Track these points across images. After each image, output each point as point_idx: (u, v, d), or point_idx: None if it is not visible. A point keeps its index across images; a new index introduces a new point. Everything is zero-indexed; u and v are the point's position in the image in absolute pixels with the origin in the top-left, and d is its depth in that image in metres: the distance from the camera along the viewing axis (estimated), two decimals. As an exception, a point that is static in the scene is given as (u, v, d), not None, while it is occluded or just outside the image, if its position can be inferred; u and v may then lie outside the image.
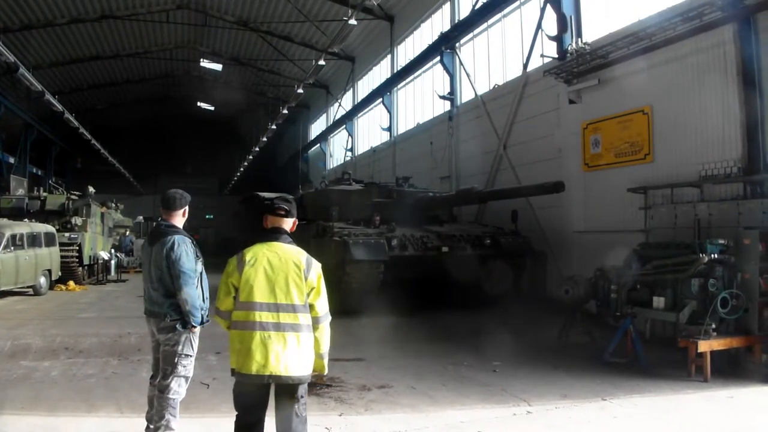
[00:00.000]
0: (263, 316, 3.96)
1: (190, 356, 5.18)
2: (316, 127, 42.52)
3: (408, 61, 23.16)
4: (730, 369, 7.99)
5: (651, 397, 7.10)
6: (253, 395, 4.07)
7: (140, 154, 48.90)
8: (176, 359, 5.06)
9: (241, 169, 47.11)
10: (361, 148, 32.46)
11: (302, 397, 4.07)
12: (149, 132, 49.30)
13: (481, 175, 17.81)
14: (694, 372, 7.81)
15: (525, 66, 16.04)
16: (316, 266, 4.13)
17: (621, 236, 11.35)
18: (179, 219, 5.31)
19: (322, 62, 19.91)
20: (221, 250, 36.94)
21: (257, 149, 39.69)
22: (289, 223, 4.29)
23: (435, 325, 11.60)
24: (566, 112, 14.11)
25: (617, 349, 8.76)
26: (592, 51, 12.74)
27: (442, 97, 20.70)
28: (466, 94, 19.93)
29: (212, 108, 47.00)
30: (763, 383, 7.54)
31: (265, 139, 35.92)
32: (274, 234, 4.21)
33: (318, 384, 7.44)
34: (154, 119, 48.24)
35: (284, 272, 4.01)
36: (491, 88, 18.15)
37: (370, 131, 30.48)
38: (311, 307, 4.07)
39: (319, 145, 40.29)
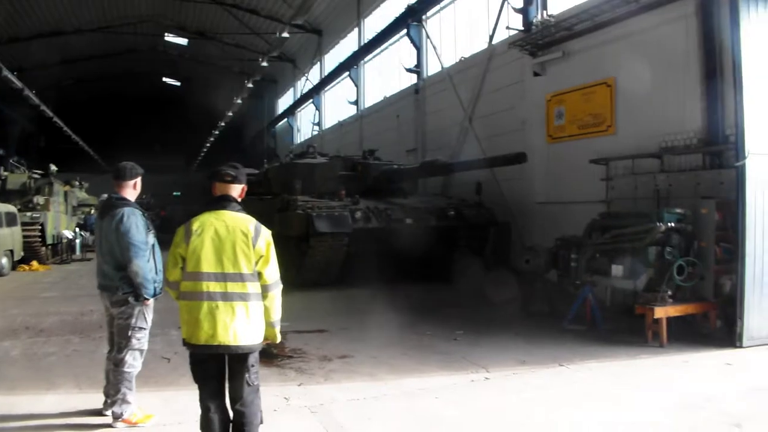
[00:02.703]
0: (211, 286, 3.91)
1: (144, 329, 5.17)
2: (284, 102, 42.10)
3: (375, 34, 22.93)
4: (686, 335, 8.14)
5: (607, 362, 7.22)
6: (208, 366, 4.04)
7: (105, 131, 47.94)
8: (130, 332, 5.06)
9: (208, 144, 46.50)
10: (329, 122, 32.24)
11: (253, 366, 4.05)
12: (114, 109, 48.41)
13: (447, 147, 17.83)
14: (651, 338, 7.95)
15: (491, 38, 16.00)
16: (265, 233, 4.07)
17: (583, 207, 11.45)
18: (130, 191, 5.25)
19: (285, 34, 19.62)
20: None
21: (223, 124, 39.18)
22: (237, 190, 4.22)
23: (399, 296, 11.61)
24: (531, 84, 14.15)
25: (577, 317, 8.90)
26: (557, 23, 12.75)
27: (409, 70, 20.59)
28: (432, 67, 19.85)
29: (178, 83, 46.23)
30: (718, 348, 7.70)
31: (230, 114, 35.48)
32: (222, 202, 4.13)
33: (279, 355, 7.51)
34: (119, 96, 47.34)
35: (232, 241, 3.95)
36: (458, 60, 18.08)
37: (338, 105, 30.24)
38: (260, 275, 4.02)
39: (286, 119, 39.92)
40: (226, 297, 3.91)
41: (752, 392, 6.00)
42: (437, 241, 12.72)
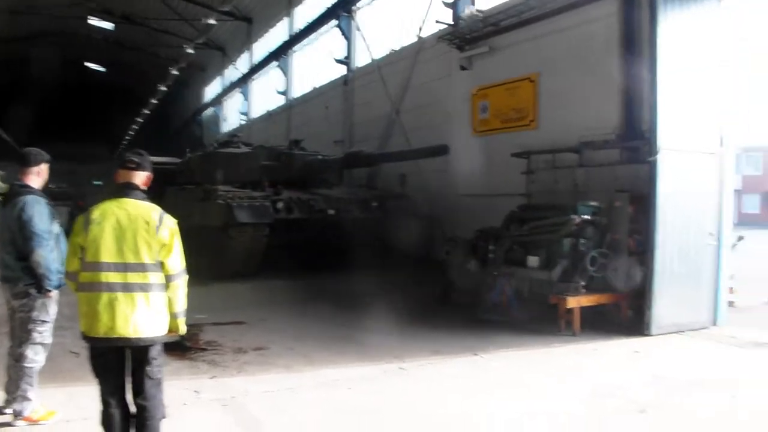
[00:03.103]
0: (110, 277, 3.74)
1: (47, 322, 4.95)
2: (212, 90, 41.19)
3: (305, 24, 22.67)
4: (598, 323, 8.33)
5: (521, 350, 7.34)
6: (108, 359, 3.88)
7: (25, 118, 45.63)
8: (31, 326, 4.85)
9: (131, 133, 45.04)
10: (257, 112, 31.72)
11: (155, 359, 3.90)
12: (35, 95, 46.00)
13: (374, 139, 17.78)
14: (564, 327, 8.11)
15: (420, 32, 16.00)
16: (169, 222, 3.91)
17: (505, 199, 11.54)
18: (34, 178, 5.00)
19: (212, 21, 19.11)
20: (110, 218, 35.31)
21: (147, 112, 38.00)
22: (141, 177, 4.05)
23: (320, 287, 11.53)
24: (457, 78, 14.22)
25: (494, 307, 9.00)
26: (485, 18, 12.85)
27: (338, 61, 20.42)
28: (362, 59, 19.70)
29: (103, 69, 44.56)
30: (628, 336, 7.94)
31: (155, 101, 34.39)
32: (125, 190, 3.95)
33: (193, 348, 7.30)
34: (40, 81, 45.09)
35: (133, 230, 3.79)
36: (387, 53, 18.03)
37: (266, 95, 29.74)
38: (162, 265, 3.86)
39: (213, 108, 39.10)
40: (127, 288, 3.75)
41: (657, 380, 6.18)
42: (360, 232, 12.65)
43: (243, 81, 31.65)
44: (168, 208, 12.44)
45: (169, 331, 4.00)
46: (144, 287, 3.78)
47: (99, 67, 44.12)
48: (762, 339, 7.95)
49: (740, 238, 10.87)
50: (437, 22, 14.65)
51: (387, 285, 11.79)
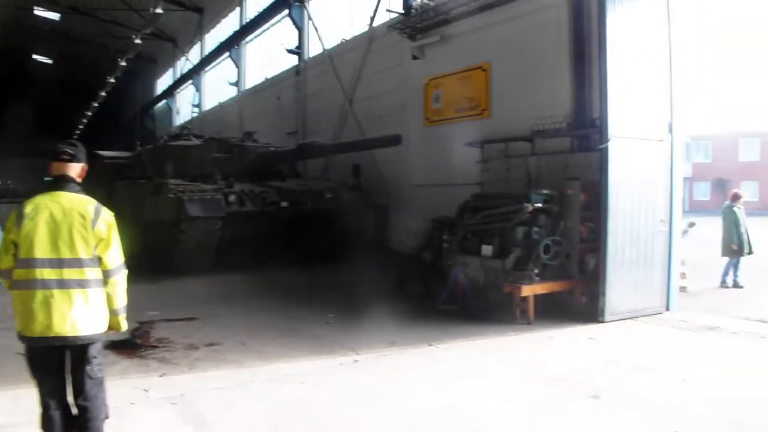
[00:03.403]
0: (45, 273, 3.58)
1: None
2: (163, 83, 40.42)
3: (256, 14, 22.33)
4: (553, 311, 8.39)
5: (476, 340, 7.32)
6: (46, 359, 3.72)
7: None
8: None
9: (81, 126, 43.86)
10: (209, 103, 31.23)
11: (95, 357, 3.76)
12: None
13: (327, 130, 17.61)
14: (519, 315, 8.14)
15: (372, 21, 15.89)
16: (106, 215, 3.77)
17: (459, 189, 11.49)
18: None
19: (159, 10, 18.64)
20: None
21: (96, 105, 37.07)
22: (76, 169, 3.89)
23: (274, 281, 11.34)
24: (410, 67, 14.15)
25: (449, 297, 8.96)
26: (436, 7, 12.78)
27: (290, 51, 20.17)
28: (314, 49, 19.52)
29: (50, 61, 43.23)
30: (582, 323, 8.02)
31: (103, 94, 33.55)
32: (59, 183, 3.80)
33: (143, 345, 7.12)
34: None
35: (68, 224, 3.64)
36: (339, 42, 17.86)
37: (218, 86, 29.31)
38: (100, 260, 3.72)
39: (166, 101, 38.35)
40: (63, 284, 3.60)
41: (610, 364, 6.23)
42: (314, 224, 12.52)
43: (195, 72, 31.12)
44: (119, 202, 12.15)
45: (110, 328, 3.88)
46: (81, 283, 3.65)
47: (46, 60, 42.76)
48: (713, 323, 8.09)
49: (692, 225, 11.12)
50: (388, 11, 14.55)
51: (342, 276, 11.74)
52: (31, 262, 3.60)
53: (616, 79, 8.12)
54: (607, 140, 8.00)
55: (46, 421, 3.71)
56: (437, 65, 13.27)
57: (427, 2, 12.98)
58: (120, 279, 3.83)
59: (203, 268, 12.04)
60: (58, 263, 3.61)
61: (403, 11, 13.92)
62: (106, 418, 3.86)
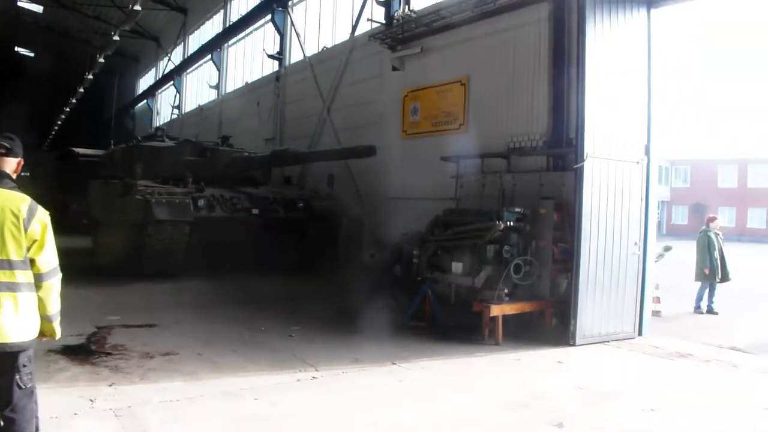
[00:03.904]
0: None
1: None
2: (145, 82, 40.05)
3: (239, 18, 22.14)
4: (523, 332, 8.21)
5: (441, 360, 7.12)
6: None
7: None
8: None
9: (59, 122, 43.24)
10: (189, 105, 30.94)
11: (25, 366, 3.52)
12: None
13: (305, 137, 17.40)
14: (487, 335, 7.94)
15: (353, 30, 15.74)
16: (41, 215, 3.53)
17: (434, 203, 11.35)
18: None
19: (137, 7, 18.35)
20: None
21: (74, 101, 36.62)
22: (11, 164, 3.66)
23: (241, 290, 11.09)
24: (389, 78, 13.99)
25: (418, 313, 8.76)
26: (417, 18, 12.65)
27: (271, 57, 20.00)
28: (295, 55, 19.34)
29: (32, 54, 42.72)
30: (552, 346, 7.81)
31: (82, 90, 33.14)
32: None
33: (97, 352, 6.85)
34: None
35: (0, 223, 3.40)
36: (320, 50, 17.70)
37: (199, 89, 29.08)
38: (32, 262, 3.49)
39: (146, 101, 37.97)
40: None
41: (577, 390, 6.04)
42: (285, 232, 12.29)
43: (176, 73, 30.84)
44: (91, 201, 11.93)
45: (42, 335, 3.65)
46: (11, 287, 3.42)
47: (28, 52, 42.26)
48: (685, 349, 7.95)
49: (668, 248, 11.02)
50: (369, 20, 14.40)
51: (311, 288, 11.51)
52: None
53: (593, 99, 8.02)
54: (582, 160, 7.87)
55: None
56: (417, 77, 13.12)
57: (408, 13, 12.85)
58: (54, 283, 3.61)
59: (170, 273, 11.82)
60: None
61: (384, 21, 13.76)
62: (36, 431, 3.64)
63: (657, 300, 10.17)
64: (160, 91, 35.76)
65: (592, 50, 8.05)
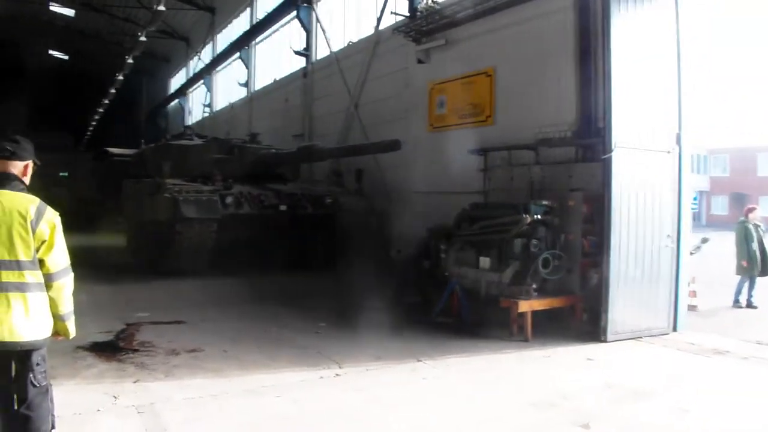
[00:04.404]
0: None
1: None
2: (177, 81, 40.44)
3: (265, 15, 22.16)
4: (553, 328, 8.03)
5: (467, 357, 6.98)
6: None
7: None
8: None
9: (93, 123, 43.96)
10: (220, 104, 31.17)
11: (39, 364, 3.57)
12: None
13: (333, 133, 17.36)
14: (516, 332, 7.78)
15: (378, 23, 15.60)
16: (50, 216, 3.58)
17: (462, 197, 11.18)
18: None
19: (162, 7, 18.46)
20: (75, 211, 34.44)
21: (107, 102, 37.18)
22: (18, 167, 3.69)
23: (269, 286, 11.11)
24: (415, 71, 13.84)
25: (445, 309, 8.63)
26: (441, 10, 12.48)
27: (298, 53, 19.94)
28: (321, 51, 19.27)
29: (66, 57, 43.49)
30: (582, 342, 7.61)
31: (113, 91, 33.60)
32: (1, 181, 3.60)
33: (125, 349, 6.93)
34: (2, 67, 43.77)
35: (8, 224, 3.45)
36: (346, 45, 17.61)
37: (229, 87, 29.25)
38: (42, 263, 3.53)
39: (178, 100, 38.37)
40: (1, 287, 3.42)
41: (606, 389, 5.86)
42: (313, 228, 12.26)
43: (206, 72, 31.03)
44: (124, 200, 12.25)
45: (56, 334, 3.71)
46: (20, 287, 3.47)
47: (62, 55, 43.04)
48: (722, 346, 7.63)
49: (705, 240, 10.71)
50: (393, 13, 14.26)
51: (339, 284, 11.45)
52: None
53: (621, 88, 7.76)
54: (610, 150, 7.64)
55: None
56: (442, 70, 12.95)
57: (432, 5, 12.68)
58: (64, 283, 3.65)
59: (198, 270, 11.91)
60: None
61: (408, 14, 13.60)
62: (53, 428, 3.69)
63: (693, 294, 9.87)
64: (191, 90, 36.04)
65: (617, 36, 7.79)
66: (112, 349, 6.91)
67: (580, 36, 9.62)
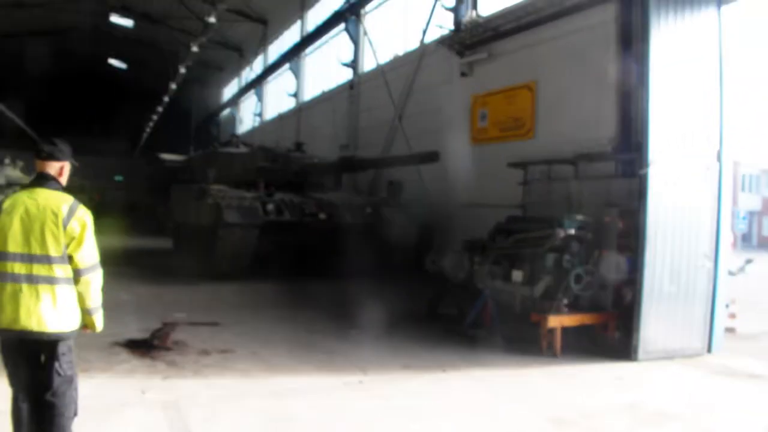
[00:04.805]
0: (16, 268, 3.64)
1: None
2: (229, 91, 41.35)
3: (314, 27, 22.53)
4: (584, 345, 7.90)
5: (493, 370, 6.95)
6: (15, 351, 3.76)
7: (45, 111, 45.87)
8: None
9: (147, 130, 45.23)
10: (270, 113, 31.68)
11: (64, 354, 3.78)
12: (56, 89, 46.35)
13: (378, 144, 17.52)
14: (545, 347, 7.65)
15: (423, 36, 15.71)
16: (81, 214, 3.77)
17: (501, 211, 11.17)
18: None
19: (212, 19, 18.98)
20: (128, 213, 35.56)
21: (160, 110, 38.22)
22: (54, 168, 3.91)
23: (306, 292, 11.31)
24: (458, 84, 13.91)
25: (477, 322, 8.60)
26: (485, 23, 12.53)
27: (345, 65, 20.24)
28: (368, 63, 19.50)
29: (124, 66, 44.94)
30: (613, 360, 7.48)
31: (167, 99, 34.53)
32: (39, 180, 3.86)
33: (159, 347, 7.16)
34: (61, 76, 45.42)
35: (41, 221, 3.67)
36: (392, 57, 17.79)
37: (279, 97, 29.74)
38: (71, 258, 3.73)
39: (229, 109, 39.17)
40: (31, 280, 3.63)
41: (630, 409, 5.75)
42: (352, 238, 12.36)
43: (257, 82, 31.64)
44: (173, 205, 12.84)
45: (84, 327, 3.90)
46: (50, 280, 3.67)
47: (120, 64, 44.49)
48: (757, 370, 7.41)
49: (749, 261, 10.40)
50: (438, 26, 14.38)
51: (374, 293, 11.48)
52: (3, 256, 3.66)
53: (659, 103, 7.65)
54: (646, 166, 7.54)
55: (15, 411, 3.77)
56: (484, 83, 12.99)
57: (476, 18, 12.74)
58: (93, 278, 3.82)
59: (239, 274, 12.17)
60: (29, 258, 3.66)
61: (453, 27, 13.68)
62: (75, 415, 3.87)
63: (732, 316, 9.57)
64: (242, 99, 36.77)
65: (656, 50, 7.67)
66: (147, 346, 7.15)
67: (621, 50, 9.53)
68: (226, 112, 40.89)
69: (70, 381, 3.82)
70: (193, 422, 4.90)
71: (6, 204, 3.75)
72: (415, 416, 5.34)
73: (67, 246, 3.70)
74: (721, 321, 8.38)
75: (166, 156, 18.72)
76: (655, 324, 7.61)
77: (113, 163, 45.87)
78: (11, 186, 24.54)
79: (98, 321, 3.93)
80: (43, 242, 3.65)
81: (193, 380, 6.06)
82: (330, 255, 12.51)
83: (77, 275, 3.75)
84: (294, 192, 13.04)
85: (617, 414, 5.62)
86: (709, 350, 8.01)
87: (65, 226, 3.68)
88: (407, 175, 14.45)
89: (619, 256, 7.95)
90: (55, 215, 3.68)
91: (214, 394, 5.63)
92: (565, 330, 7.72)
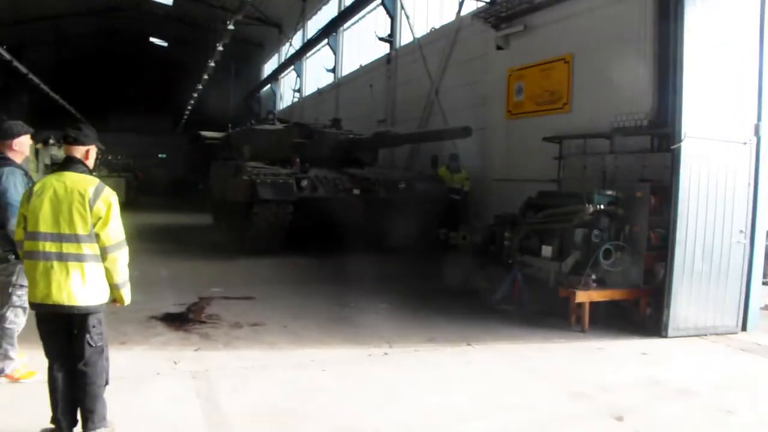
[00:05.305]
0: (47, 246, 3.91)
1: (24, 287, 5.08)
2: (269, 67, 41.47)
3: (352, 1, 22.43)
4: (614, 321, 7.85)
5: (518, 344, 6.98)
6: (49, 324, 4.04)
7: (89, 91, 46.90)
8: (11, 289, 5.15)
9: (189, 108, 45.78)
10: (309, 89, 31.77)
11: (94, 327, 4.02)
12: (99, 68, 47.22)
13: (415, 119, 17.49)
14: (573, 322, 7.66)
15: (459, 9, 15.55)
16: (106, 195, 3.99)
17: (537, 185, 11.08)
18: (11, 151, 5.24)
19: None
20: (171, 190, 36.28)
21: (200, 87, 38.61)
22: (80, 151, 4.15)
23: (339, 267, 11.40)
24: (494, 58, 13.70)
25: (507, 297, 8.62)
26: (520, -6, 12.33)
27: (382, 39, 20.10)
28: (405, 37, 19.36)
29: (165, 44, 45.51)
30: (641, 336, 7.41)
31: (206, 76, 34.85)
32: (66, 163, 4.12)
33: (194, 320, 7.43)
34: (104, 55, 46.22)
35: (69, 202, 3.91)
36: (428, 31, 17.64)
37: (317, 73, 29.74)
38: (98, 237, 3.96)
39: (270, 85, 39.38)
40: (61, 257, 3.90)
41: (652, 385, 5.69)
42: (386, 213, 12.42)
43: (297, 58, 31.65)
44: (211, 182, 13.18)
45: (114, 301, 4.14)
46: (78, 257, 3.91)
47: (161, 42, 45.07)
48: (790, 349, 7.25)
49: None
50: (474, -2, 14.18)
51: (407, 268, 11.62)
52: (35, 235, 3.92)
53: (694, 75, 7.44)
54: (679, 140, 7.39)
55: (51, 380, 4.00)
56: (521, 56, 12.79)
57: (511, -11, 12.53)
58: (119, 255, 4.04)
59: (274, 250, 12.36)
60: (59, 237, 3.90)
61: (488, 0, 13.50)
62: (106, 384, 4.10)
63: (772, 294, 9.37)
64: (282, 75, 36.83)
65: (692, 21, 7.43)
66: (182, 320, 7.41)
67: (659, 22, 9.31)
68: (266, 88, 41.06)
69: (101, 351, 4.07)
70: (221, 391, 5.11)
71: (36, 187, 4.00)
72: (433, 385, 5.44)
73: (94, 225, 3.92)
74: (758, 298, 8.20)
75: (206, 133, 19.01)
76: (686, 301, 7.49)
77: (156, 141, 46.87)
78: (54, 165, 25.34)
79: (126, 295, 4.16)
80: (71, 222, 3.88)
81: (224, 352, 6.30)
82: (364, 230, 12.59)
83: (104, 252, 3.97)
84: (329, 168, 13.12)
85: (636, 389, 5.58)
86: (743, 328, 7.84)
87: (92, 206, 3.90)
88: (444, 150, 14.40)
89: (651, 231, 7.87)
90: (82, 196, 3.90)
91: (242, 365, 5.83)
92: (596, 306, 7.69)
